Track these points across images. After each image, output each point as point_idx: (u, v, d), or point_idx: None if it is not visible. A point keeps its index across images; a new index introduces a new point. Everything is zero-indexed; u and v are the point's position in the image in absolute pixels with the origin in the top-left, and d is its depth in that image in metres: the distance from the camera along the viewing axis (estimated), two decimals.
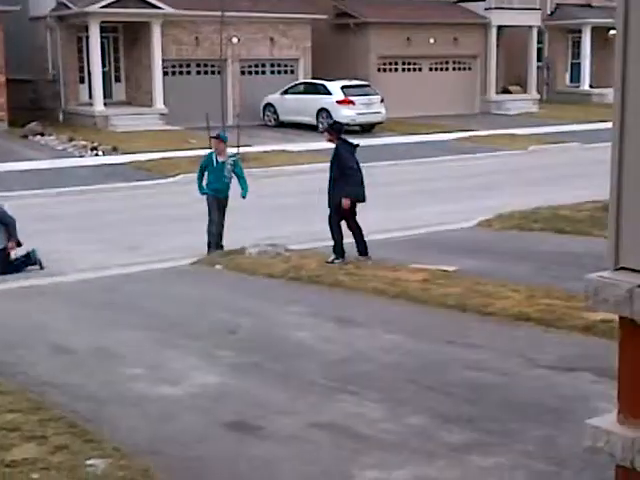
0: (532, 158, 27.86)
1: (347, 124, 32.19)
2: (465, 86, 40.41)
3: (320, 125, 30.89)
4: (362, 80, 34.69)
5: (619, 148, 3.46)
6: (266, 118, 34.84)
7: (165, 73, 33.09)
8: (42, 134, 29.72)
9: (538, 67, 43.20)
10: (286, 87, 34.49)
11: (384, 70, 38.44)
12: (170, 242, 15.27)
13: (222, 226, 14.61)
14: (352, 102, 32.27)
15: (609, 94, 39.93)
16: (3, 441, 6.81)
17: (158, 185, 22.88)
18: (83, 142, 28.37)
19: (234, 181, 14.68)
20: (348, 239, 13.23)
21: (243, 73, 35.35)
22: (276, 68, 36.32)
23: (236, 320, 10.38)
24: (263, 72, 36.14)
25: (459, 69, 40.82)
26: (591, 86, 44.70)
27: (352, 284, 11.85)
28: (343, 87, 32.81)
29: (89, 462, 6.43)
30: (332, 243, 13.17)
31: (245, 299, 11.47)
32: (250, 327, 10.15)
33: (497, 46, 40.77)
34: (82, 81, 33.30)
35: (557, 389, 7.99)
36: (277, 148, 28.16)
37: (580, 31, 44.71)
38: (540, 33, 43.39)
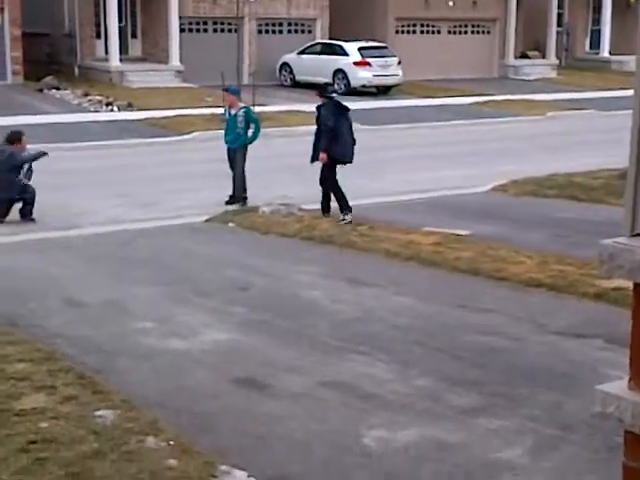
0: (550, 124, 27.65)
1: (363, 85, 32.26)
2: (483, 50, 40.00)
3: (336, 86, 30.69)
4: (380, 42, 34.43)
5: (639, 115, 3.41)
6: (282, 78, 34.64)
7: (182, 30, 32.86)
8: (57, 88, 29.60)
9: (558, 32, 42.66)
10: (303, 47, 34.27)
11: (402, 32, 38.09)
12: (184, 199, 15.25)
13: (238, 177, 14.72)
14: (369, 64, 32.04)
15: (629, 61, 39.51)
16: (13, 390, 6.87)
17: (173, 142, 22.81)
18: (98, 97, 28.25)
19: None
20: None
21: (260, 32, 35.08)
22: (293, 27, 36.02)
23: (248, 278, 10.40)
24: (280, 31, 35.87)
25: (478, 32, 40.39)
26: (610, 53, 44.22)
27: (364, 245, 11.85)
28: (360, 48, 32.56)
29: (98, 413, 6.48)
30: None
31: (257, 257, 11.49)
32: (261, 285, 10.18)
33: (517, 10, 40.31)
34: (98, 36, 33.10)
35: (566, 355, 8.00)
36: (292, 108, 27.99)
37: None
38: None
